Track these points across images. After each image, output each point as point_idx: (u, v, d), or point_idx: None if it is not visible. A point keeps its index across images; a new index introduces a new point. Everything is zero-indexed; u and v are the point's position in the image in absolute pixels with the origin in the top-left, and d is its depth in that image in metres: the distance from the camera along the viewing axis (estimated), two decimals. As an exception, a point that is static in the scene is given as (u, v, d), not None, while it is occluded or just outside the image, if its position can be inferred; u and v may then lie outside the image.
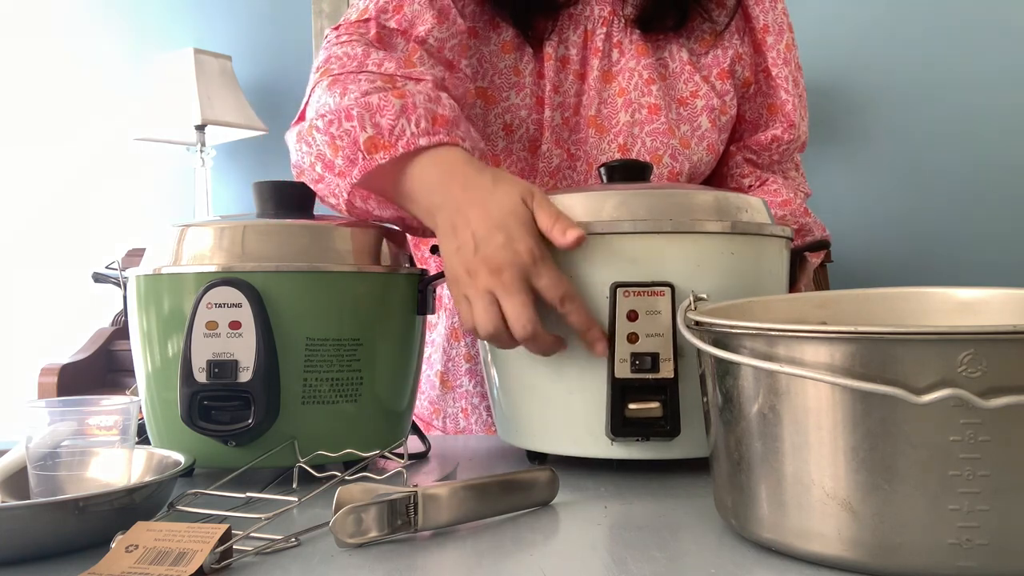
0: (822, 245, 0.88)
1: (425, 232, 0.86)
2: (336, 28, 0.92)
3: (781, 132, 1.05)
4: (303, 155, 0.83)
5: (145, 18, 3.02)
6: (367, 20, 0.91)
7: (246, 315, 0.70)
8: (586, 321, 0.71)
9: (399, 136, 0.77)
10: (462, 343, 1.05)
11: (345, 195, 0.81)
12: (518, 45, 1.00)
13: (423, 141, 0.77)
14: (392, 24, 0.91)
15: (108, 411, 0.64)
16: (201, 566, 0.49)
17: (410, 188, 0.78)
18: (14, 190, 3.04)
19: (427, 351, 1.06)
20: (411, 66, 0.87)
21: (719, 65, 1.03)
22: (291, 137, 0.86)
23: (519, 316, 0.69)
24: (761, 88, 1.06)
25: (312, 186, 0.83)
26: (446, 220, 0.74)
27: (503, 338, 0.71)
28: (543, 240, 0.71)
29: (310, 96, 0.87)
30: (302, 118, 0.86)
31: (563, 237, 0.70)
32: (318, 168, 0.81)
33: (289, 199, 0.80)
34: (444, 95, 0.82)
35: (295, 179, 0.84)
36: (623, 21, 1.02)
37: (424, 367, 1.05)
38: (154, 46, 2.93)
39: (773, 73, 1.05)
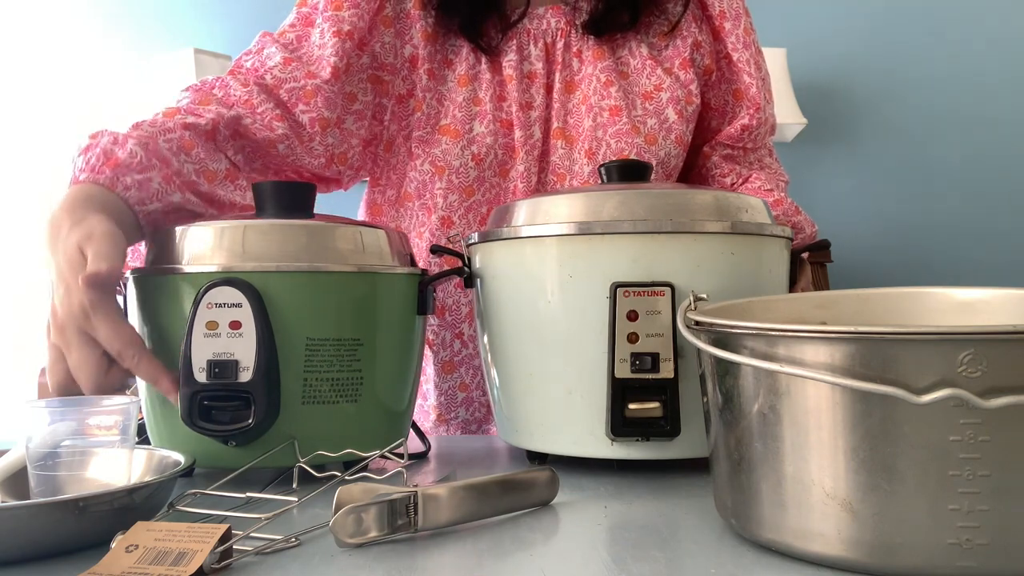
0: (822, 245, 0.88)
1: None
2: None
3: (749, 120, 1.05)
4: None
5: (145, 18, 3.02)
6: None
7: (246, 315, 0.70)
8: (152, 371, 0.69)
9: (74, 169, 0.78)
10: (455, 374, 1.04)
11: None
12: (474, 76, 1.01)
13: (82, 176, 0.77)
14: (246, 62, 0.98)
15: (108, 411, 0.64)
16: (201, 566, 0.49)
17: None
18: (14, 190, 3.04)
19: (420, 385, 1.05)
20: (207, 102, 0.91)
21: (680, 56, 1.04)
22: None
23: (78, 374, 0.69)
24: (724, 74, 1.07)
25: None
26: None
27: (76, 390, 0.70)
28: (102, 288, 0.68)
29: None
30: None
31: (82, 281, 0.67)
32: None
33: (289, 199, 0.79)
34: (134, 139, 0.79)
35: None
36: (579, 29, 1.03)
37: (418, 399, 1.05)
38: (154, 46, 2.93)
39: (734, 58, 1.05)
